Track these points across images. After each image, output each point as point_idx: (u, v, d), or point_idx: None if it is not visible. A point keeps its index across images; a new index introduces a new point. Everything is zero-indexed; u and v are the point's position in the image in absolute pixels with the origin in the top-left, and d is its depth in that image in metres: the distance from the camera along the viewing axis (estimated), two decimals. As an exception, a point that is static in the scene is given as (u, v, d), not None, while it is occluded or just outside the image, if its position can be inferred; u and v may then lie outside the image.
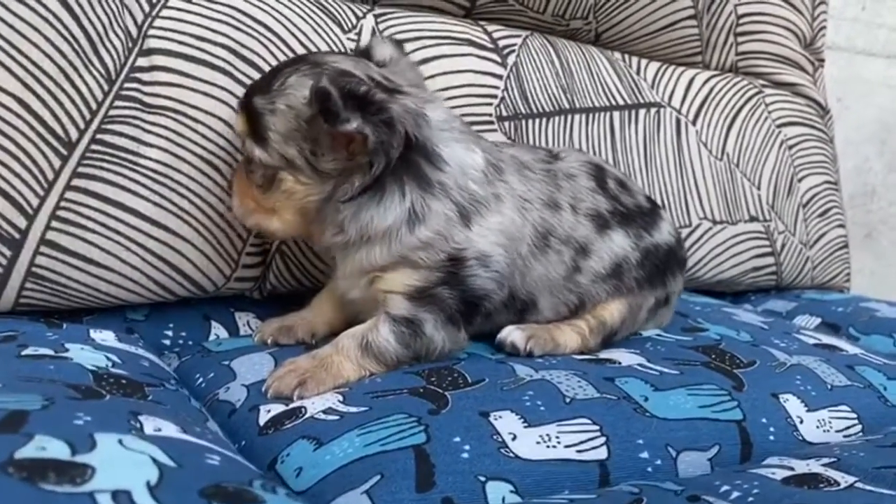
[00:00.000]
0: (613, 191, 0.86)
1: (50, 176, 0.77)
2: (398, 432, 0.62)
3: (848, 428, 0.78)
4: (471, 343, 0.81)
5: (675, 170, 1.16)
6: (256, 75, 0.86)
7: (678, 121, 1.19)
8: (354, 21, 0.95)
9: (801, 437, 0.74)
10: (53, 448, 0.46)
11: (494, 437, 0.63)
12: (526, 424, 0.65)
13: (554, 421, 0.66)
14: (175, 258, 0.84)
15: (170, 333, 0.89)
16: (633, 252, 0.85)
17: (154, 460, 0.47)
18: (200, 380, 0.78)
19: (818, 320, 1.16)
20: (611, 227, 0.84)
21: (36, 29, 0.75)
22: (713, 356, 0.83)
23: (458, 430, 0.62)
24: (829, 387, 0.81)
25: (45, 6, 0.75)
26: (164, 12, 0.84)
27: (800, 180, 1.29)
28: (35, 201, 0.76)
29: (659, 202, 1.12)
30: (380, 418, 0.64)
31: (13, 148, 0.75)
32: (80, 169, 0.78)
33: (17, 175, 0.75)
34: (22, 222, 0.76)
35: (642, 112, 1.15)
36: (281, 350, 0.80)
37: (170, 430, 0.53)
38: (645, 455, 0.66)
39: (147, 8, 0.84)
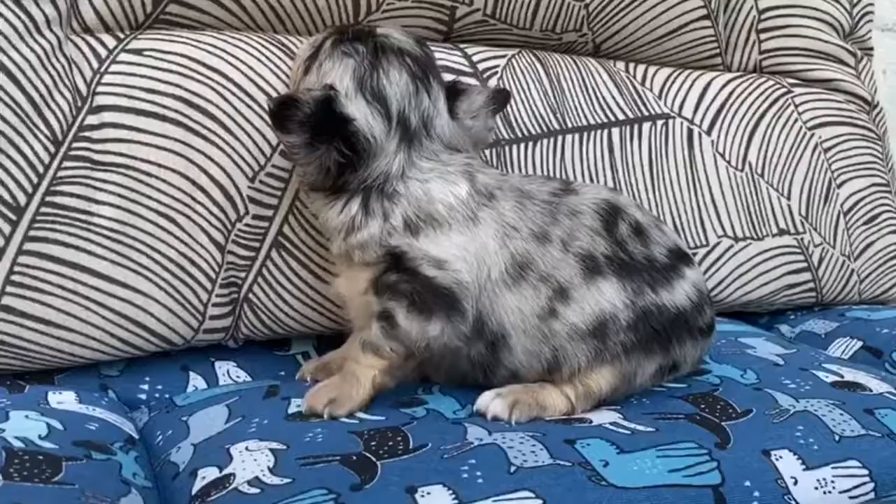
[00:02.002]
0: (621, 235, 0.77)
1: (1, 242, 0.77)
2: (310, 514, 0.58)
3: (856, 487, 0.68)
4: (437, 395, 0.76)
5: (687, 186, 1.07)
6: (210, 124, 0.85)
7: (690, 132, 1.09)
8: (318, 57, 0.91)
9: (792, 502, 0.66)
10: None
11: (415, 518, 0.58)
12: (456, 501, 0.59)
13: (491, 496, 0.60)
14: (138, 314, 0.83)
15: (146, 387, 0.88)
16: (625, 311, 0.74)
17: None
18: (160, 438, 0.77)
19: (859, 344, 1.04)
20: (602, 275, 0.75)
21: (-24, 97, 0.75)
22: (702, 406, 0.76)
23: (373, 510, 0.58)
24: (837, 438, 0.72)
25: (-16, 74, 0.75)
26: (113, 67, 0.83)
27: (839, 186, 1.17)
28: (-12, 268, 0.77)
29: (669, 223, 1.04)
30: (297, 495, 0.60)
31: (-39, 217, 0.75)
32: (32, 232, 0.78)
33: (-33, 244, 0.76)
34: (-24, 290, 0.76)
35: (647, 126, 1.07)
36: (238, 400, 0.79)
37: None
38: (593, 533, 0.59)
39: (96, 64, 0.83)
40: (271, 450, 0.67)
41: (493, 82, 0.98)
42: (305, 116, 0.72)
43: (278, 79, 0.88)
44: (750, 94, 1.15)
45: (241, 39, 0.89)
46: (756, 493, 0.65)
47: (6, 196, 0.77)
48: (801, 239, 1.13)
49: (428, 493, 0.60)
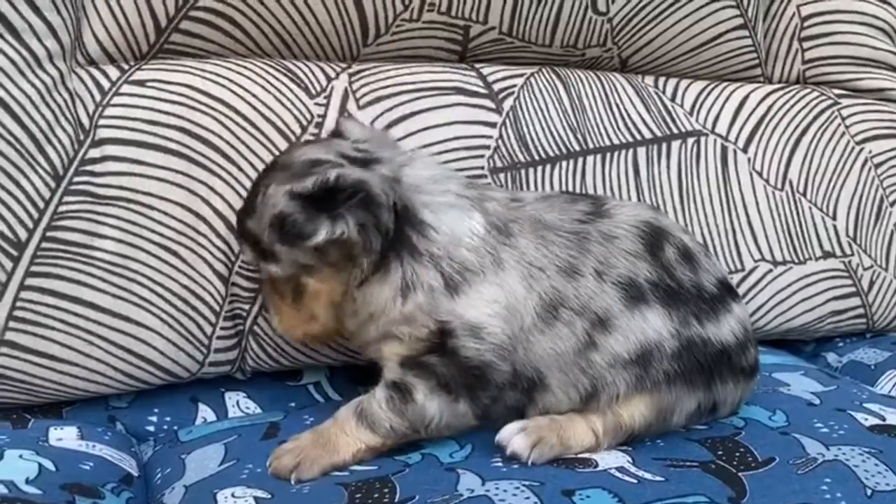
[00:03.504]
0: (668, 260, 0.73)
1: (3, 278, 0.77)
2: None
3: (888, 551, 0.62)
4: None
5: (720, 207, 1.01)
6: (211, 154, 0.83)
7: (724, 149, 1.03)
8: (324, 83, 0.89)
9: (813, 568, 0.60)
10: None
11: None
12: (434, 563, 0.56)
13: (472, 556, 0.56)
14: (141, 348, 0.82)
15: (154, 419, 0.87)
16: (671, 340, 0.71)
17: None
18: (159, 475, 0.76)
19: (912, 377, 0.96)
20: (646, 303, 0.71)
21: (-24, 135, 0.75)
22: (720, 453, 0.70)
23: (345, 574, 0.55)
24: (869, 493, 0.65)
25: (-16, 111, 0.76)
26: (116, 99, 0.82)
27: (892, 204, 1.09)
28: (-10, 304, 0.77)
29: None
30: (271, 552, 0.57)
31: (-37, 254, 0.76)
32: (33, 268, 0.78)
33: (-30, 280, 0.76)
34: (-20, 325, 0.77)
35: (676, 144, 1.01)
36: (237, 439, 0.77)
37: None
38: None
39: (99, 97, 0.82)
40: (255, 498, 0.65)
41: (508, 103, 0.94)
42: (307, 204, 0.66)
43: (283, 106, 0.86)
44: (792, 107, 1.08)
45: (246, 66, 0.87)
46: (771, 558, 0.60)
47: (7, 232, 0.77)
48: (849, 262, 1.05)
49: (406, 553, 0.56)
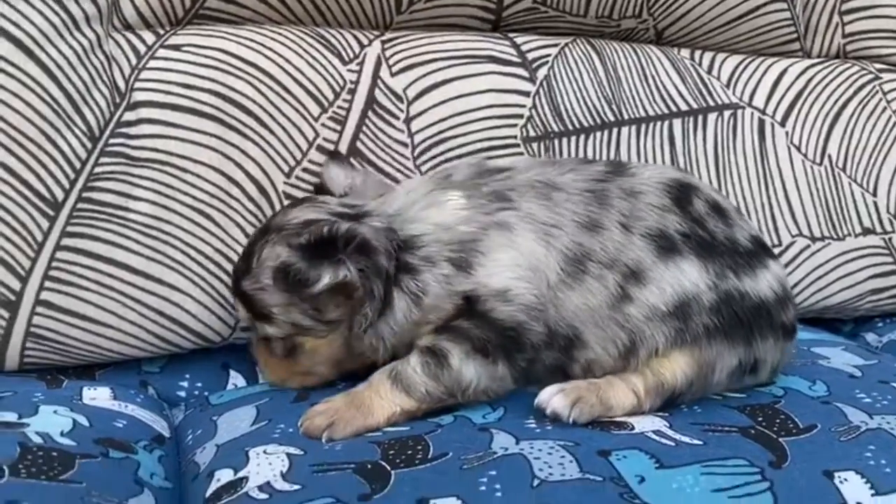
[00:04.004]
0: (699, 213, 0.72)
1: (39, 237, 0.77)
2: (313, 522, 0.55)
3: (934, 517, 0.60)
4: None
5: (757, 181, 0.99)
6: (245, 118, 0.84)
7: (761, 123, 1.01)
8: (357, 50, 0.89)
9: (857, 531, 0.58)
10: None
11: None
12: (469, 516, 0.55)
13: (507, 511, 0.55)
14: (174, 311, 0.82)
15: (185, 385, 0.87)
16: (708, 292, 0.70)
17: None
18: (190, 437, 0.76)
19: (955, 356, 0.94)
20: (680, 254, 0.70)
21: (16, 95, 0.76)
22: (760, 419, 0.68)
23: (377, 523, 0.54)
24: (915, 460, 0.64)
25: (24, 72, 0.76)
26: (151, 63, 0.83)
27: (935, 181, 1.06)
28: (27, 263, 0.77)
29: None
30: (304, 502, 0.57)
31: (1, 212, 0.76)
32: (69, 228, 0.78)
33: (7, 238, 0.77)
34: (16, 284, 0.77)
35: (713, 116, 0.99)
36: (268, 402, 0.77)
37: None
38: (620, 557, 0.54)
39: (135, 61, 0.83)
40: (288, 454, 0.64)
41: (542, 72, 0.93)
42: (307, 254, 0.68)
43: (315, 72, 0.86)
44: (831, 81, 1.06)
45: (280, 33, 0.87)
46: (814, 520, 0.58)
47: (44, 191, 0.77)
48: (890, 239, 1.03)
49: (439, 506, 0.56)
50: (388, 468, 0.60)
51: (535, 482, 0.58)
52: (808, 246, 1.00)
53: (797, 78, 1.05)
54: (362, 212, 0.73)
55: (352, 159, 0.86)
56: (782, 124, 1.02)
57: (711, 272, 0.70)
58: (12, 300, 0.77)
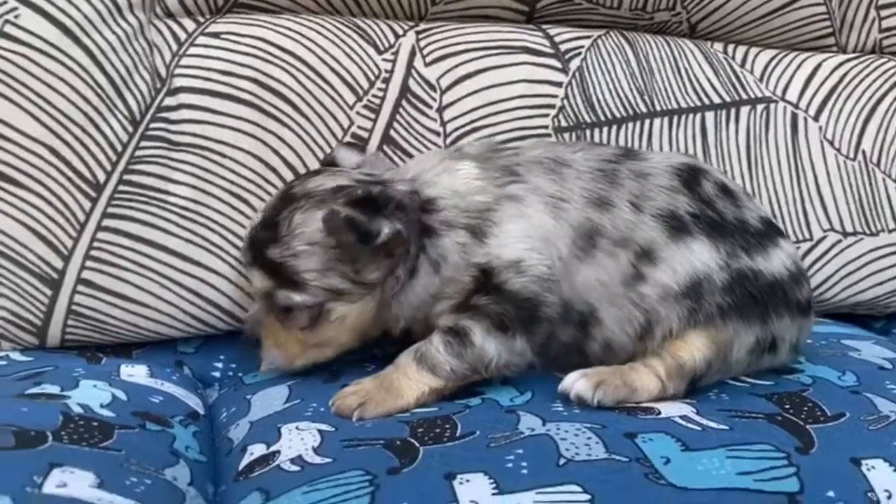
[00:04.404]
0: (708, 194, 0.73)
1: (81, 218, 0.80)
2: (344, 493, 0.56)
3: (965, 508, 0.60)
4: (495, 383, 0.73)
5: (789, 175, 0.99)
6: (282, 105, 0.85)
7: (794, 117, 1.01)
8: (392, 40, 0.90)
9: (884, 519, 0.58)
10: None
11: (450, 505, 0.55)
12: (496, 491, 0.56)
13: (533, 487, 0.56)
14: (210, 293, 0.84)
15: (220, 366, 0.90)
16: (720, 272, 0.71)
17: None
18: (224, 414, 0.78)
19: None
20: (691, 234, 0.71)
21: (62, 79, 0.78)
22: (787, 407, 0.69)
23: (408, 494, 0.55)
24: (946, 452, 0.63)
25: (70, 57, 0.78)
26: (192, 50, 0.85)
27: (971, 178, 1.05)
28: (69, 242, 0.80)
29: (769, 213, 0.96)
30: (335, 474, 0.58)
31: (46, 193, 0.79)
32: (110, 209, 0.81)
33: (50, 218, 0.79)
34: (59, 263, 0.80)
35: (745, 109, 0.99)
36: (301, 381, 0.78)
37: (79, 485, 0.52)
38: (645, 536, 0.55)
39: (175, 47, 0.85)
40: (319, 431, 0.66)
41: (575, 63, 0.94)
42: (360, 211, 0.69)
43: (351, 61, 0.88)
44: (867, 76, 1.05)
45: (318, 23, 0.89)
46: (841, 506, 0.58)
47: (86, 173, 0.80)
48: (924, 236, 1.02)
49: (467, 481, 0.56)
50: (417, 444, 0.61)
51: (562, 461, 0.59)
52: (840, 241, 0.99)
53: (831, 73, 1.04)
54: (382, 179, 0.75)
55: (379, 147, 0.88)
56: (815, 119, 1.01)
57: (723, 252, 0.71)
58: (55, 278, 0.80)
